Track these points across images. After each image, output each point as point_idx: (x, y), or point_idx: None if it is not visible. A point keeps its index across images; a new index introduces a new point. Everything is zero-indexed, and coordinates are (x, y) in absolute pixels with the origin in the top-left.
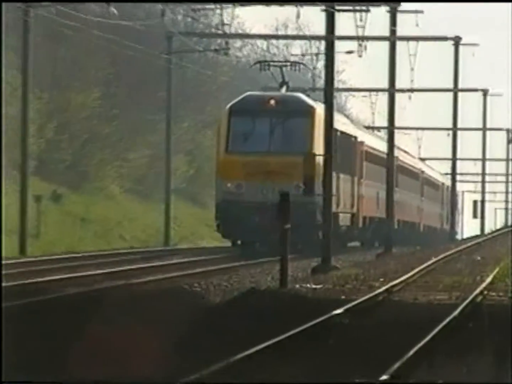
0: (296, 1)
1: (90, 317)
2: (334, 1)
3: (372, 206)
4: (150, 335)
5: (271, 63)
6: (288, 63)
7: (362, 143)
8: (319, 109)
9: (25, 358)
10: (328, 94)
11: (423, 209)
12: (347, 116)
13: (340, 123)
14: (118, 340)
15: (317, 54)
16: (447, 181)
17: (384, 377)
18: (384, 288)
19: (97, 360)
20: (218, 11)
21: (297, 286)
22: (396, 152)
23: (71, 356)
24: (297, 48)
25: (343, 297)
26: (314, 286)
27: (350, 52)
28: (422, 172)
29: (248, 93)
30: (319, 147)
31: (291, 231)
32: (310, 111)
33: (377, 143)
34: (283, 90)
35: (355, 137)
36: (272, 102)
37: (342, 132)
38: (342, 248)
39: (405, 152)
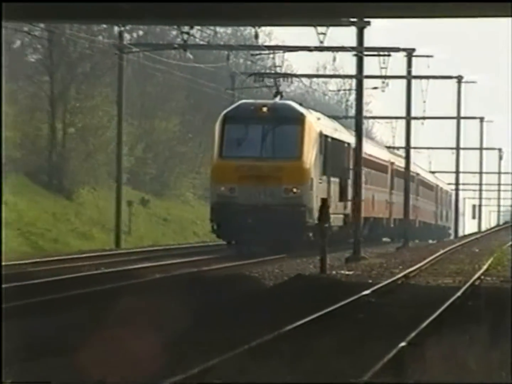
0: (333, 48)
1: (176, 294)
2: (362, 47)
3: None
4: (222, 308)
5: (265, 75)
6: (281, 75)
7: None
8: (310, 116)
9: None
10: (358, 121)
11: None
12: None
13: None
14: (199, 309)
15: (349, 90)
16: (445, 186)
17: (402, 343)
18: (402, 274)
19: (195, 318)
20: (271, 56)
21: (334, 272)
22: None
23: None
24: (333, 85)
25: (370, 281)
26: (347, 272)
27: (375, 88)
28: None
29: (242, 101)
30: (309, 153)
31: (279, 232)
32: (301, 118)
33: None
34: (277, 99)
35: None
36: (265, 109)
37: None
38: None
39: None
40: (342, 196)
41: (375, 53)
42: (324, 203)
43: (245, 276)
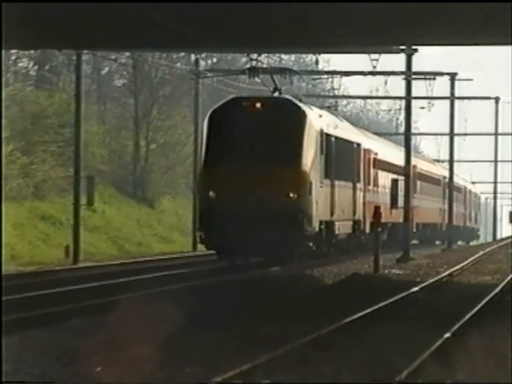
0: (384, 73)
1: (252, 290)
2: (411, 72)
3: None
4: (290, 303)
5: (262, 70)
6: (278, 70)
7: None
8: (310, 113)
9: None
10: (407, 137)
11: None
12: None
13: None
14: (271, 303)
15: (399, 109)
16: (473, 189)
17: (447, 334)
18: (447, 273)
19: (269, 310)
20: (330, 79)
21: (386, 271)
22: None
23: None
24: (385, 105)
25: (418, 279)
26: (398, 272)
27: (422, 107)
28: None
29: (233, 96)
30: (307, 154)
31: (274, 241)
32: (299, 115)
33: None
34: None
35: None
36: (258, 105)
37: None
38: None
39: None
40: (355, 200)
41: (422, 77)
42: (377, 210)
43: (307, 275)
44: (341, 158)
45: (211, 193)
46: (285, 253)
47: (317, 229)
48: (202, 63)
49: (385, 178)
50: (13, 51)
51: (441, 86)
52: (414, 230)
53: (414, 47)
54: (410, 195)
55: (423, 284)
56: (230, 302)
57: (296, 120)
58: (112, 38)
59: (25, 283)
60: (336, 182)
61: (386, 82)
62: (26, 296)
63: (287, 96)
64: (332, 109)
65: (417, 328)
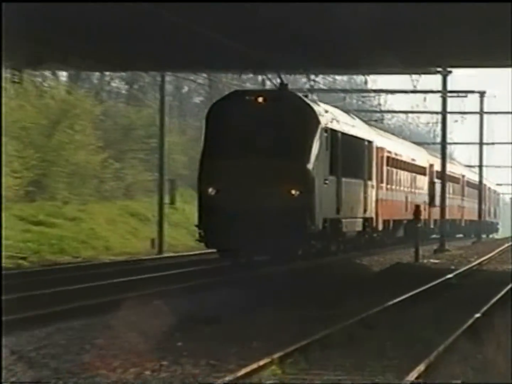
0: (423, 91)
1: (309, 278)
2: (446, 90)
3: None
4: (342, 287)
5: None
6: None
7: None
8: (314, 108)
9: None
10: (443, 146)
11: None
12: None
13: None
14: (327, 287)
15: (436, 122)
16: (493, 187)
17: (477, 315)
18: (477, 262)
19: (324, 294)
20: (377, 97)
21: (425, 260)
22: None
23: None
24: (424, 118)
25: (452, 267)
26: (435, 261)
27: (456, 121)
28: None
29: (235, 89)
30: (311, 151)
31: (276, 239)
32: (303, 109)
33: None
34: None
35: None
36: (260, 99)
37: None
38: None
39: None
40: (366, 198)
41: (455, 95)
42: (418, 208)
43: (357, 264)
44: (350, 155)
45: (210, 189)
46: (287, 251)
47: (320, 227)
48: (267, 82)
49: (400, 176)
50: (107, 73)
51: (472, 101)
52: (432, 226)
53: (449, 69)
54: (445, 195)
55: (457, 272)
56: (301, 287)
57: (299, 114)
58: (191, 61)
59: (119, 269)
60: (343, 180)
61: (425, 99)
62: (120, 281)
63: (290, 91)
64: (378, 122)
65: (451, 308)
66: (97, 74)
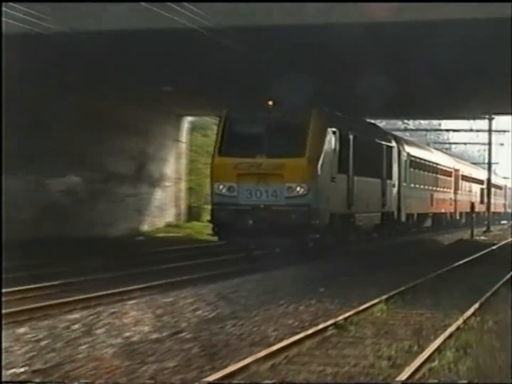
0: (477, 130)
1: (395, 249)
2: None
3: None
4: (422, 256)
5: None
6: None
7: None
8: (320, 111)
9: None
10: (489, 166)
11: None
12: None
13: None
14: (412, 256)
15: (484, 150)
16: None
17: None
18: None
19: (410, 261)
20: (445, 133)
21: (477, 238)
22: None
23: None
24: (478, 147)
25: (495, 242)
26: (484, 238)
27: (501, 144)
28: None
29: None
30: (315, 149)
31: (282, 235)
32: (308, 112)
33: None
34: None
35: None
36: (270, 103)
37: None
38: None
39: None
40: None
41: (503, 115)
42: (473, 204)
43: (431, 239)
44: (367, 157)
45: (221, 186)
46: (293, 245)
47: (326, 222)
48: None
49: (420, 176)
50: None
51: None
52: (458, 218)
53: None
54: (490, 196)
55: (498, 245)
56: (393, 257)
57: (305, 117)
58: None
59: None
60: (356, 178)
61: (477, 135)
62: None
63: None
64: (448, 150)
65: (495, 268)
66: None
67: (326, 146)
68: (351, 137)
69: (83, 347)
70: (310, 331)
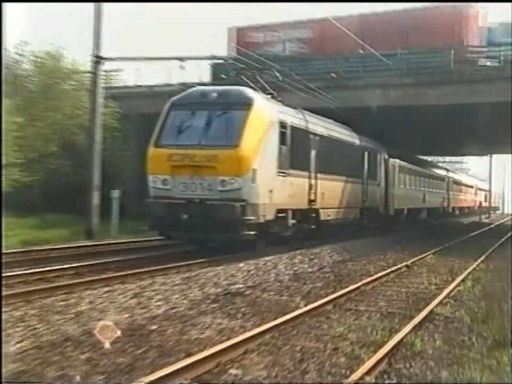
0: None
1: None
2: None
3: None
4: (447, 231)
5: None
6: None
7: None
8: (259, 100)
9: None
10: (490, 182)
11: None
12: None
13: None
14: (447, 232)
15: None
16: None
17: (503, 239)
18: (503, 220)
19: (446, 233)
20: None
21: (483, 220)
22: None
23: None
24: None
25: (493, 222)
26: (486, 220)
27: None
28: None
29: (194, 88)
30: (254, 141)
31: (216, 229)
32: (248, 103)
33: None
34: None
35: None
36: (214, 95)
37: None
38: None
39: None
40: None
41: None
42: (481, 202)
43: (456, 221)
44: (338, 158)
45: (156, 179)
46: (230, 240)
47: (269, 217)
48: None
49: (414, 180)
50: None
51: None
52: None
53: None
54: (491, 198)
55: (495, 224)
56: (428, 232)
57: (244, 108)
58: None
59: None
60: (321, 175)
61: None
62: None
63: (243, 87)
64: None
65: (492, 237)
66: None
67: (269, 139)
68: (312, 136)
69: (272, 275)
70: (392, 268)
